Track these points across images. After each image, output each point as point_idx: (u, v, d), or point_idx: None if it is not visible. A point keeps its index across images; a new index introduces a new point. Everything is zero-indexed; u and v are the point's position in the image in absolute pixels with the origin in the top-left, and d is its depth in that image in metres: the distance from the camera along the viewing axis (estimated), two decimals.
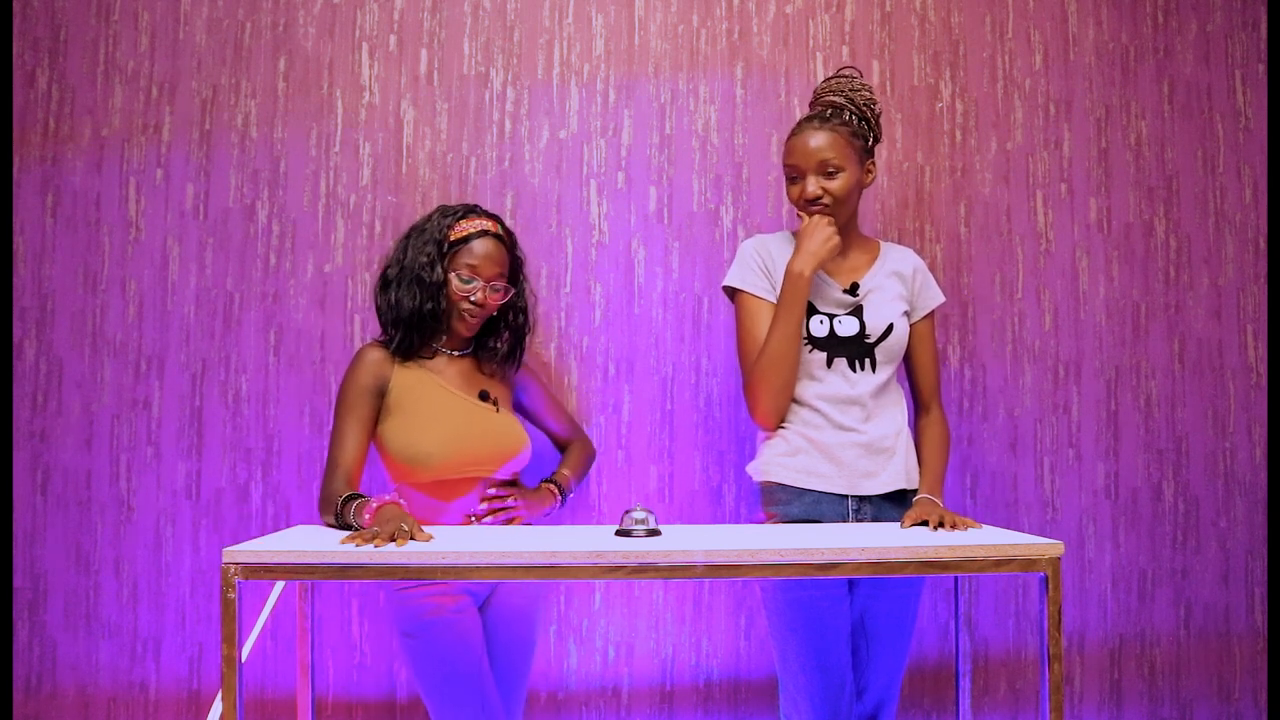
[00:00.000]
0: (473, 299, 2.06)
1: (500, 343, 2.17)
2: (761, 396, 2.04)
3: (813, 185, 2.04)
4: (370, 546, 1.63)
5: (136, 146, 2.46)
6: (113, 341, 2.43)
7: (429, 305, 2.05)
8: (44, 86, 2.46)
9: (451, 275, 2.06)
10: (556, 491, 2.20)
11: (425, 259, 2.06)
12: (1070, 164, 2.60)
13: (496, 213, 2.29)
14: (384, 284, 2.10)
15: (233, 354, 2.44)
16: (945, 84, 2.59)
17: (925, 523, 1.87)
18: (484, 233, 2.09)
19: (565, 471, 2.26)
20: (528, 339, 2.22)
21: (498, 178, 2.50)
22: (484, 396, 2.10)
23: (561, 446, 2.34)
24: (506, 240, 2.14)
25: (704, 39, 2.55)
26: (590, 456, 2.37)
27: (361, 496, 1.88)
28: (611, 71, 2.53)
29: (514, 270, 2.16)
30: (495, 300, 2.09)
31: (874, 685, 2.09)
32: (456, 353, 2.14)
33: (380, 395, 2.04)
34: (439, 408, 2.04)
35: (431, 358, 2.11)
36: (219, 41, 2.49)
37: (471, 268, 2.06)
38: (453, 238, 2.07)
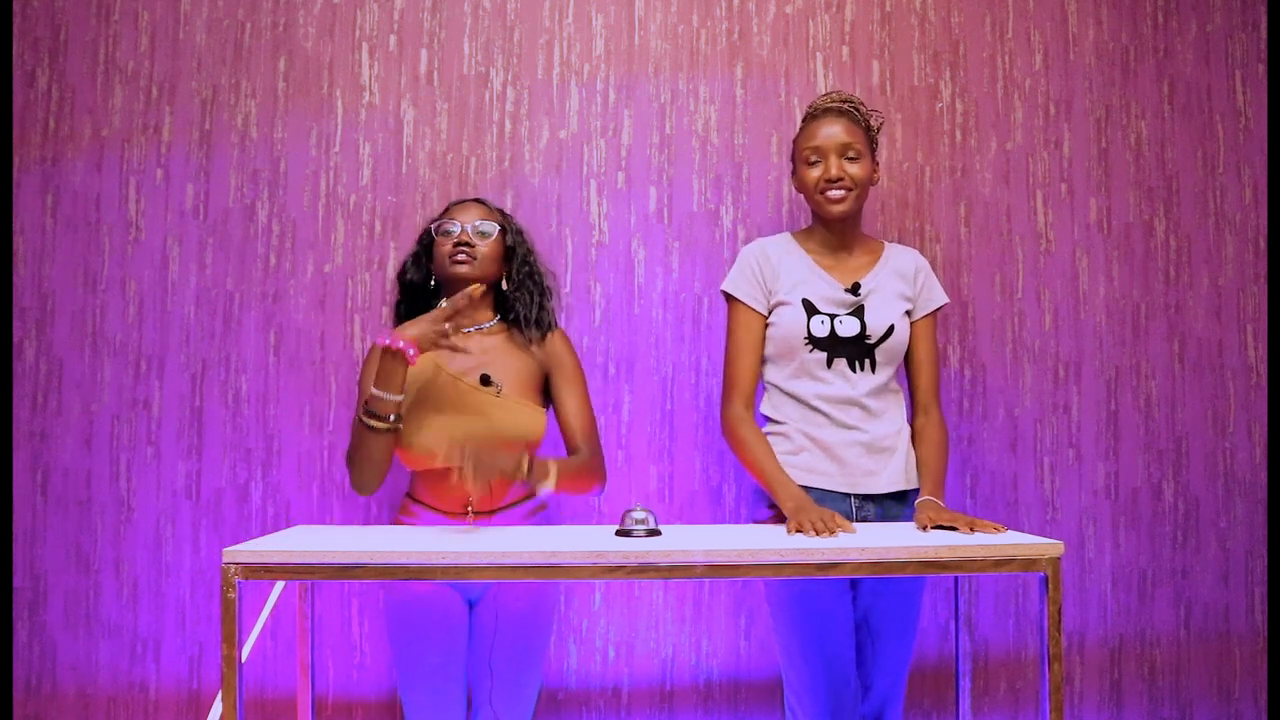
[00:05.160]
0: (456, 241, 2.06)
1: (516, 301, 2.11)
2: (726, 425, 2.10)
3: (835, 166, 2.06)
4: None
5: (136, 146, 2.46)
6: (113, 341, 2.43)
7: (415, 275, 2.14)
8: (44, 86, 2.46)
9: (437, 240, 2.10)
10: (525, 469, 1.91)
11: (413, 250, 2.17)
12: (1070, 164, 2.60)
13: None
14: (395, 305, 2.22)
15: (233, 354, 2.44)
16: (945, 84, 2.58)
17: (951, 527, 1.85)
18: (460, 201, 2.18)
19: (551, 462, 1.96)
20: (547, 300, 2.14)
21: (498, 178, 2.50)
22: (485, 381, 2.02)
23: (570, 450, 2.12)
24: (488, 202, 2.17)
25: (704, 39, 2.55)
26: (590, 475, 2.06)
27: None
28: (611, 71, 2.53)
29: (504, 228, 2.12)
30: (485, 242, 2.07)
31: (879, 683, 2.10)
32: (473, 329, 2.10)
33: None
34: (430, 394, 2.02)
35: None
36: (219, 41, 2.49)
37: (450, 220, 2.10)
38: (433, 223, 2.14)
